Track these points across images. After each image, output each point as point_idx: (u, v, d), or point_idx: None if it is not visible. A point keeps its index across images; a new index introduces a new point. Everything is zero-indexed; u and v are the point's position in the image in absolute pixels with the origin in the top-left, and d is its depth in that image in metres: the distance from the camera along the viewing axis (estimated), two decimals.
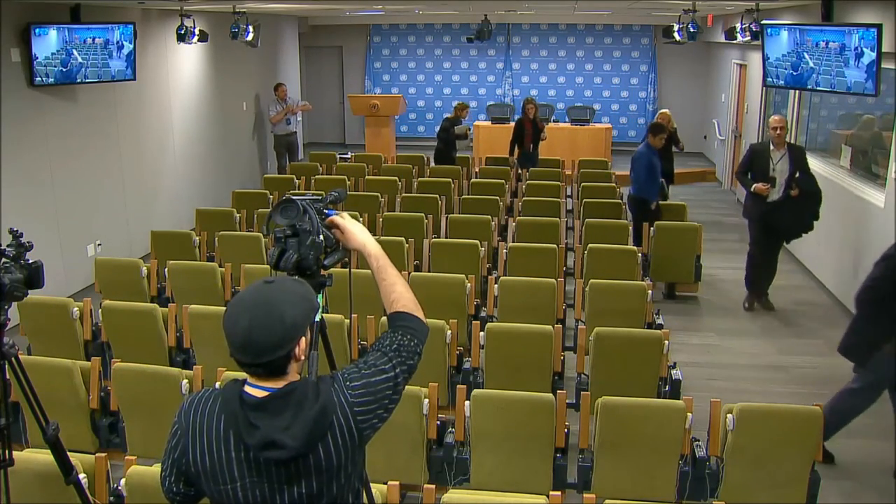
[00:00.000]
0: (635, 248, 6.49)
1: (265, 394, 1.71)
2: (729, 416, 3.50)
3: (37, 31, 6.67)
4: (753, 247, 6.94)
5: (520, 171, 10.09)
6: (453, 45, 15.62)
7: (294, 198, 2.02)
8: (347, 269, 2.22)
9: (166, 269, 5.73)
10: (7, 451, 2.75)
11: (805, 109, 9.02)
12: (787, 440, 3.48)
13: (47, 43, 6.81)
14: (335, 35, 15.76)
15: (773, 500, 3.54)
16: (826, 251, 7.71)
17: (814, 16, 7.37)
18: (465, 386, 3.85)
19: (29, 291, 2.67)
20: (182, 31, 8.91)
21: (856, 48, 6.22)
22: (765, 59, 7.67)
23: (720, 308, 7.15)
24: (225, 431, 1.72)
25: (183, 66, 9.59)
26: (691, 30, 9.81)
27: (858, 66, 6.22)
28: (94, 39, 7.34)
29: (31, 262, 2.67)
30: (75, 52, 7.12)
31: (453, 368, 4.57)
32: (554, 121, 13.86)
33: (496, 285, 5.37)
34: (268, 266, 2.01)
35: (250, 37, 10.03)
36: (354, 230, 2.07)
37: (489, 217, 7.07)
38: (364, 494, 2.07)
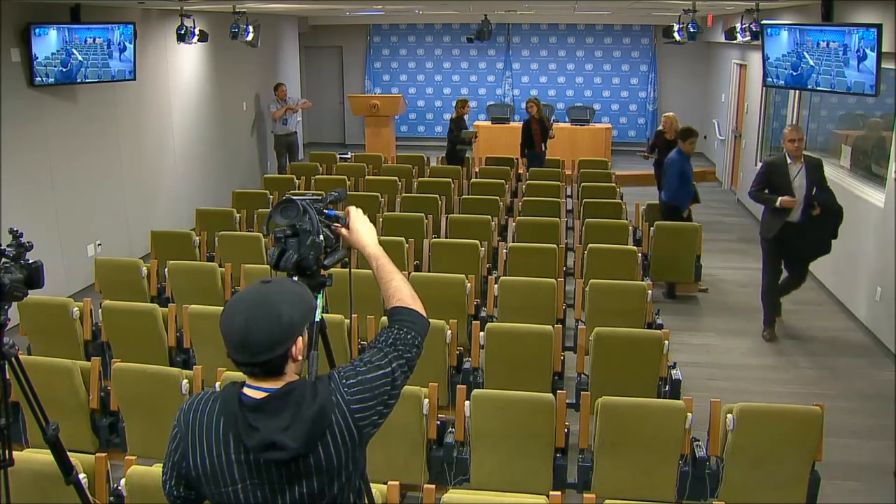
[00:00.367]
0: (635, 248, 6.48)
1: (264, 395, 1.71)
2: (729, 416, 3.50)
3: (37, 31, 6.67)
4: (768, 273, 6.35)
5: (527, 171, 10.08)
6: (453, 45, 15.62)
7: (294, 198, 2.02)
8: (347, 269, 2.22)
9: (166, 269, 5.73)
10: (7, 451, 2.75)
11: (805, 109, 9.02)
12: (787, 440, 3.48)
13: (47, 43, 6.81)
14: (335, 35, 15.76)
15: (773, 500, 3.54)
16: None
17: (814, 16, 7.37)
18: (465, 386, 3.85)
19: (29, 291, 2.67)
20: (182, 31, 8.91)
21: (856, 48, 6.22)
22: (765, 59, 7.66)
23: (720, 308, 7.15)
24: (224, 434, 1.72)
25: (183, 66, 9.59)
26: (691, 30, 9.81)
27: (858, 66, 6.22)
28: (94, 39, 7.34)
29: (31, 262, 2.67)
30: (75, 52, 7.12)
31: (453, 368, 4.58)
32: (554, 121, 13.85)
33: (496, 285, 5.37)
34: (268, 266, 2.01)
35: (250, 37, 10.03)
36: (361, 229, 2.08)
37: (489, 217, 7.07)
38: (365, 495, 2.07)
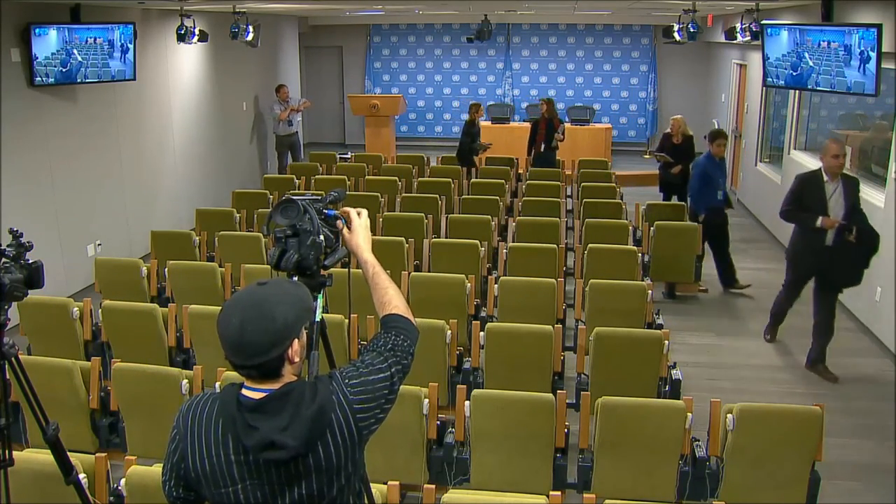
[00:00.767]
0: (635, 248, 6.48)
1: (262, 395, 1.71)
2: (729, 416, 3.50)
3: (37, 31, 6.67)
4: (788, 290, 6.02)
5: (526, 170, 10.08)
6: (453, 45, 15.61)
7: (294, 198, 2.02)
8: (347, 270, 2.22)
9: (166, 269, 5.73)
10: (7, 451, 2.75)
11: (805, 109, 9.02)
12: (787, 440, 3.48)
13: (47, 43, 6.81)
14: (335, 35, 15.76)
15: (773, 500, 3.54)
16: None
17: (814, 16, 7.37)
18: (465, 386, 3.85)
19: (29, 291, 2.67)
20: (182, 31, 8.91)
21: (856, 48, 6.22)
22: (765, 59, 7.67)
23: (720, 308, 7.15)
24: (223, 435, 1.72)
25: (183, 66, 9.59)
26: (691, 30, 9.81)
27: (858, 66, 6.22)
28: (94, 39, 7.33)
29: (31, 262, 2.66)
30: (75, 52, 7.12)
31: (453, 368, 4.57)
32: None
33: (496, 285, 5.37)
34: (268, 266, 2.01)
35: (250, 37, 10.03)
36: (360, 234, 2.11)
37: (489, 217, 7.07)
38: (365, 496, 2.07)
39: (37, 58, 6.70)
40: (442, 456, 3.68)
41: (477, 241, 6.18)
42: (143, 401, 3.87)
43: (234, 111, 11.08)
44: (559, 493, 2.91)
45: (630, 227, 7.42)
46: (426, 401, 3.56)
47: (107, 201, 7.99)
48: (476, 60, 15.62)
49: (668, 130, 8.74)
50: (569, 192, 9.66)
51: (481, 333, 4.47)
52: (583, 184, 9.01)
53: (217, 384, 3.72)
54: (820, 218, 5.42)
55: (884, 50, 5.97)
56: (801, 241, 5.73)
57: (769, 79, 7.77)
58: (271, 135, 11.65)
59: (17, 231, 2.67)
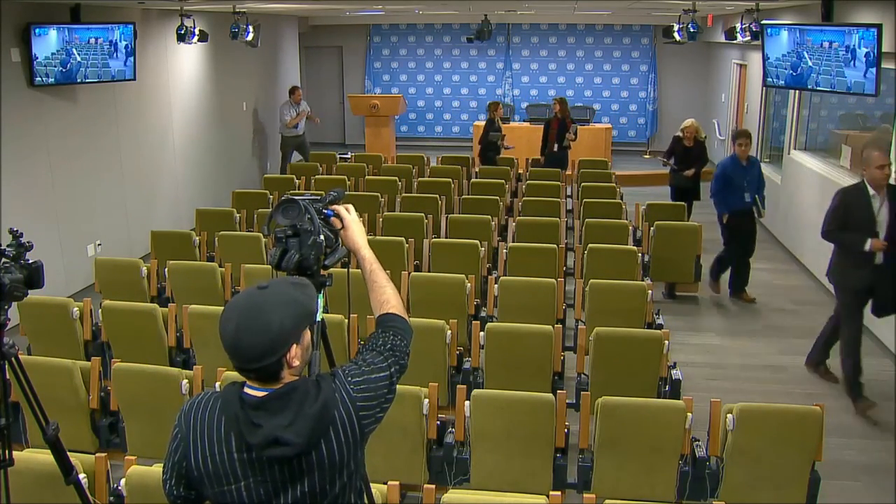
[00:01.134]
0: (635, 248, 6.48)
1: (264, 393, 1.72)
2: (729, 416, 3.50)
3: (37, 31, 6.67)
4: (847, 319, 5.22)
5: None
6: (453, 45, 15.62)
7: (295, 198, 2.03)
8: (347, 269, 2.22)
9: (166, 269, 5.73)
10: (7, 451, 2.75)
11: (805, 109, 9.02)
12: (787, 440, 3.48)
13: (47, 43, 6.81)
14: (335, 35, 15.76)
15: (773, 500, 3.54)
16: (826, 251, 7.69)
17: (814, 16, 7.37)
18: (465, 386, 3.85)
19: (29, 291, 2.67)
20: (182, 31, 8.91)
21: (856, 48, 6.22)
22: (765, 59, 7.67)
23: (720, 308, 7.15)
24: (226, 432, 1.72)
25: (183, 66, 9.59)
26: (691, 30, 9.82)
27: (858, 66, 6.22)
28: (94, 39, 7.34)
29: (31, 262, 2.66)
30: (75, 52, 7.12)
31: (453, 368, 4.57)
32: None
33: (496, 285, 5.37)
34: (268, 266, 2.02)
35: (250, 37, 10.03)
36: (354, 229, 2.11)
37: (489, 217, 7.07)
38: (365, 495, 2.07)
39: (37, 58, 6.70)
40: (442, 456, 3.68)
41: (477, 241, 6.18)
42: (143, 401, 3.87)
43: (234, 111, 11.09)
44: (559, 493, 2.91)
45: (630, 227, 7.41)
46: (426, 401, 3.56)
47: (107, 201, 7.99)
48: (476, 60, 15.63)
49: (679, 134, 8.42)
50: (569, 192, 9.66)
51: (481, 333, 4.47)
52: (583, 184, 9.01)
53: (217, 384, 3.72)
54: (869, 241, 4.84)
55: (884, 50, 5.97)
56: (844, 259, 5.15)
57: (769, 79, 7.77)
58: (272, 134, 11.65)
59: (17, 231, 2.67)
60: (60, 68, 6.99)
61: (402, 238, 6.31)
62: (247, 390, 1.74)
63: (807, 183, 8.36)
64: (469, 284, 5.24)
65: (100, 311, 4.87)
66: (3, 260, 2.63)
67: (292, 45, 13.80)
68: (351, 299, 2.27)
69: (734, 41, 10.02)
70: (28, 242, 2.69)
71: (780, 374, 5.80)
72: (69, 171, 7.34)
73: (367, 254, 2.09)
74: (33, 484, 2.93)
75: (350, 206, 2.16)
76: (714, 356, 6.09)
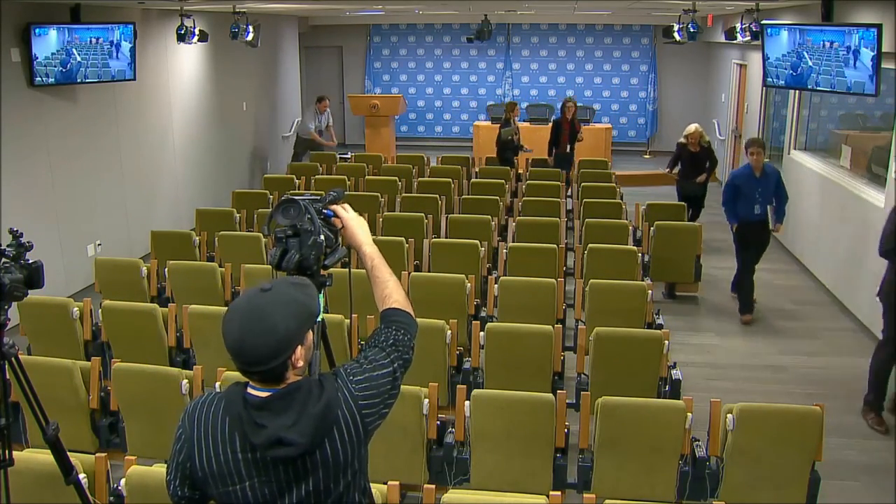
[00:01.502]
0: (635, 248, 6.48)
1: (268, 394, 1.72)
2: (729, 416, 3.50)
3: (37, 31, 6.67)
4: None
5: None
6: (453, 45, 15.62)
7: (295, 198, 2.03)
8: (347, 269, 2.22)
9: (166, 269, 5.73)
10: (7, 451, 2.75)
11: (805, 109, 9.02)
12: (787, 440, 3.48)
13: (47, 43, 6.81)
14: (335, 35, 15.76)
15: (773, 500, 3.54)
16: (826, 251, 7.71)
17: (814, 16, 7.37)
18: (465, 386, 3.85)
19: (29, 291, 2.67)
20: (182, 31, 8.91)
21: (856, 48, 6.22)
22: (765, 59, 7.67)
23: (720, 308, 7.15)
24: (230, 433, 1.73)
25: (183, 66, 9.59)
26: (691, 30, 9.81)
27: (858, 66, 6.22)
28: (94, 39, 7.33)
29: (31, 262, 2.66)
30: (75, 52, 7.12)
31: (453, 368, 4.57)
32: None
33: (496, 285, 5.37)
34: (268, 266, 2.02)
35: (250, 37, 10.03)
36: (354, 226, 2.10)
37: (489, 217, 7.07)
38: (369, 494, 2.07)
39: (37, 58, 6.70)
40: (442, 456, 3.68)
41: (477, 241, 6.18)
42: (143, 401, 3.87)
43: (234, 111, 11.08)
44: (559, 493, 2.91)
45: (630, 227, 7.41)
46: (426, 401, 3.56)
47: (107, 201, 7.99)
48: (476, 60, 15.63)
49: (682, 140, 8.21)
50: (569, 192, 9.66)
51: (481, 333, 4.47)
52: (583, 184, 9.01)
53: (217, 384, 3.72)
54: None
55: (884, 50, 5.97)
56: None
57: (769, 79, 7.77)
58: (272, 134, 11.64)
59: (17, 231, 2.67)
60: (60, 68, 6.99)
61: (402, 238, 6.31)
62: (250, 391, 1.74)
63: (807, 183, 8.36)
64: (469, 284, 5.24)
65: (100, 311, 4.87)
66: (3, 260, 2.63)
67: (292, 45, 13.80)
68: (352, 299, 2.27)
69: (734, 41, 10.02)
70: (28, 242, 2.69)
71: (780, 374, 5.80)
72: (69, 171, 7.34)
73: (369, 250, 2.08)
74: (33, 484, 2.93)
75: (346, 206, 2.15)
76: (714, 356, 6.09)
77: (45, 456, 2.85)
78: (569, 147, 10.14)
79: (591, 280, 5.32)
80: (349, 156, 11.70)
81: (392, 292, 2.02)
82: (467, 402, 3.60)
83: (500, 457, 3.62)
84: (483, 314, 5.51)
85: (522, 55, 15.46)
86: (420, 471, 3.67)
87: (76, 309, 4.86)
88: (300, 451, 1.69)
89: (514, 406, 3.59)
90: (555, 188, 8.68)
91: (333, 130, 11.55)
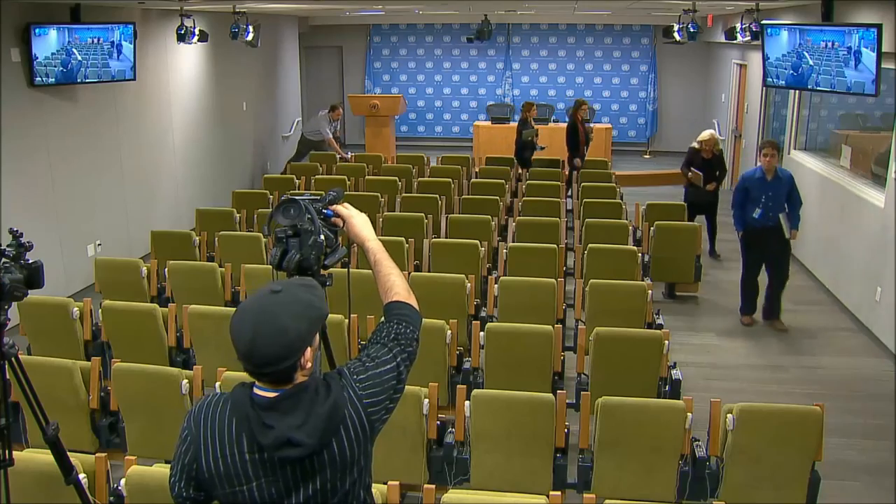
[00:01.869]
0: (635, 248, 6.48)
1: (275, 394, 1.72)
2: (729, 416, 3.50)
3: (37, 31, 6.67)
4: None
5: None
6: (453, 45, 15.61)
7: (295, 197, 2.03)
8: (347, 269, 2.22)
9: (166, 269, 5.72)
10: (7, 451, 2.75)
11: (805, 109, 9.02)
12: (787, 440, 3.48)
13: (47, 43, 6.81)
14: (335, 35, 15.76)
15: (773, 500, 3.54)
16: (826, 251, 7.71)
17: (814, 16, 7.37)
18: (465, 386, 3.85)
19: (29, 291, 2.67)
20: (182, 31, 8.91)
21: (856, 48, 6.21)
22: (765, 59, 7.66)
23: (720, 308, 7.15)
24: (237, 433, 1.72)
25: (183, 66, 9.59)
26: (691, 30, 9.81)
27: (858, 66, 6.22)
28: (94, 39, 7.33)
29: (31, 262, 2.66)
30: (75, 51, 7.12)
31: (453, 368, 4.57)
32: (554, 121, 13.87)
33: (496, 285, 5.37)
34: (268, 266, 2.02)
35: (250, 37, 10.03)
36: (359, 222, 2.11)
37: (489, 217, 7.07)
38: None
39: (37, 58, 6.70)
40: (442, 456, 3.68)
41: (477, 241, 6.18)
42: (143, 401, 3.87)
43: (234, 111, 11.08)
44: (559, 493, 2.91)
45: (630, 227, 7.41)
46: (426, 401, 3.56)
47: (107, 201, 7.98)
48: (476, 60, 15.62)
49: (695, 145, 8.05)
50: (569, 192, 9.67)
51: (481, 333, 4.47)
52: (583, 184, 9.01)
53: (217, 384, 3.73)
54: None
55: (884, 50, 5.97)
56: None
57: (769, 79, 7.77)
58: (272, 134, 11.63)
59: (17, 231, 2.67)
60: (60, 68, 6.99)
61: (402, 238, 6.31)
62: (257, 391, 1.74)
63: (807, 183, 8.35)
64: (469, 284, 5.24)
65: (100, 311, 4.87)
66: (3, 260, 2.63)
67: (292, 45, 13.80)
68: (351, 299, 2.27)
69: (734, 41, 10.02)
70: (28, 242, 2.69)
71: (780, 374, 5.80)
72: (69, 171, 7.34)
73: (372, 244, 2.08)
74: (33, 484, 2.93)
75: (346, 205, 2.16)
76: (714, 356, 6.09)
77: (45, 456, 2.84)
78: (586, 148, 10.14)
79: (591, 280, 5.32)
80: (349, 156, 11.70)
81: (394, 285, 2.02)
82: (467, 402, 3.60)
83: (500, 457, 3.62)
84: (483, 314, 5.51)
85: (522, 55, 15.46)
86: (420, 471, 3.67)
87: (76, 309, 4.86)
88: (308, 452, 1.69)
89: (514, 406, 3.59)
90: (555, 188, 8.68)
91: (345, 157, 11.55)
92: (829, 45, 6.61)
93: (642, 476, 3.59)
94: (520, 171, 10.40)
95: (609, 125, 13.99)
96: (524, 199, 8.12)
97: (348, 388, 1.78)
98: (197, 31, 9.14)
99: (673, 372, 4.43)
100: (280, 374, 1.70)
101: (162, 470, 2.81)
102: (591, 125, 11.04)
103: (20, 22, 6.62)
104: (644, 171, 13.25)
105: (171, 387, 3.79)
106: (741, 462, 3.52)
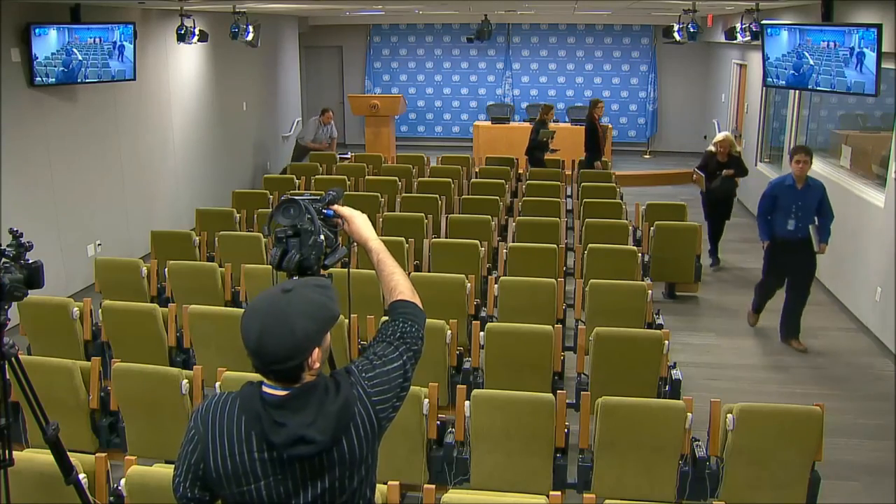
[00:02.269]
0: (635, 248, 6.48)
1: (286, 392, 1.72)
2: (729, 416, 3.50)
3: (37, 31, 6.67)
4: None
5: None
6: (453, 45, 15.61)
7: (295, 197, 2.03)
8: (347, 269, 2.22)
9: (166, 269, 5.72)
10: (7, 451, 2.75)
11: (805, 109, 9.02)
12: (787, 440, 3.48)
13: (47, 43, 6.81)
14: (335, 35, 15.76)
15: (773, 500, 3.54)
16: (826, 251, 7.70)
17: (814, 16, 7.37)
18: (465, 386, 3.85)
19: (29, 291, 2.67)
20: (182, 31, 8.91)
21: (856, 48, 6.22)
22: (765, 59, 7.67)
23: (720, 308, 7.15)
24: (247, 432, 1.72)
25: (183, 66, 9.59)
26: (691, 30, 9.82)
27: (858, 66, 6.22)
28: (94, 39, 7.33)
29: (31, 262, 2.67)
30: (75, 51, 7.12)
31: (453, 368, 4.57)
32: (554, 121, 13.85)
33: (496, 285, 5.37)
34: (268, 266, 2.02)
35: (250, 37, 10.03)
36: (358, 221, 2.11)
37: (489, 217, 7.07)
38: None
39: (37, 58, 6.70)
40: (442, 456, 3.68)
41: (477, 241, 6.18)
42: (143, 401, 3.87)
43: (234, 111, 11.08)
44: (559, 493, 2.91)
45: (630, 227, 7.41)
46: (426, 401, 3.56)
47: (107, 201, 7.98)
48: (476, 60, 15.62)
49: (711, 149, 7.94)
50: (569, 192, 9.66)
51: (481, 333, 4.47)
52: (583, 184, 9.01)
53: (217, 384, 3.72)
54: None
55: (884, 50, 5.97)
56: None
57: (769, 79, 7.77)
58: (272, 134, 11.62)
59: (17, 231, 2.67)
60: (61, 68, 6.99)
61: (402, 238, 6.31)
62: (266, 389, 1.74)
63: None
64: (469, 284, 5.24)
65: (100, 311, 4.87)
66: (3, 260, 2.63)
67: (292, 45, 13.80)
68: (351, 299, 2.27)
69: (734, 41, 10.02)
70: (28, 242, 2.69)
71: (780, 374, 5.80)
72: (69, 171, 7.34)
73: (374, 244, 2.09)
74: (33, 484, 2.93)
75: (346, 207, 2.16)
76: (714, 356, 6.09)
77: (45, 456, 2.84)
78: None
79: (591, 280, 5.32)
80: (349, 156, 11.71)
81: (398, 284, 2.03)
82: (467, 402, 3.60)
83: (500, 457, 3.62)
84: (483, 314, 5.51)
85: (522, 55, 15.46)
86: (420, 471, 3.67)
87: (76, 309, 4.86)
88: (320, 449, 1.69)
89: (514, 406, 3.59)
90: (555, 188, 8.68)
91: (335, 143, 11.52)
92: (830, 45, 6.61)
93: (642, 476, 3.59)
94: (529, 169, 10.38)
95: (609, 125, 13.98)
96: (524, 199, 8.12)
97: (357, 385, 1.78)
98: (197, 31, 9.14)
99: (673, 372, 4.43)
100: (287, 373, 1.70)
101: (162, 470, 2.81)
102: (608, 124, 11.04)
103: (20, 22, 6.62)
104: (644, 171, 13.25)
105: (171, 387, 3.79)
106: (741, 462, 3.52)
